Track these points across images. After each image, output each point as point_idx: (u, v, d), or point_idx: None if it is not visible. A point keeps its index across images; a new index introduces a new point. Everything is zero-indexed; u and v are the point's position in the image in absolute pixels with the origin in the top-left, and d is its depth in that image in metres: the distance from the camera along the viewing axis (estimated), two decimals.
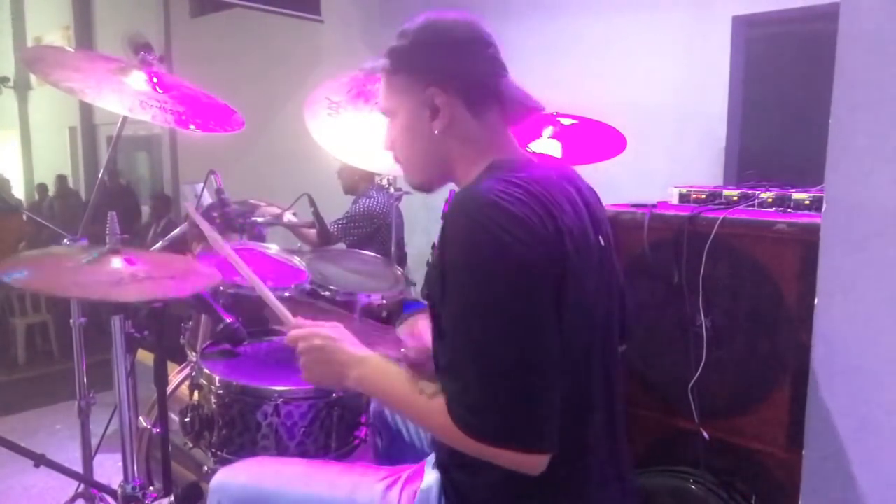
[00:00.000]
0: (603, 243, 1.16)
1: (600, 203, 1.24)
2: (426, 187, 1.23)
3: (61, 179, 9.46)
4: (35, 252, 1.85)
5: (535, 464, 0.99)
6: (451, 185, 1.20)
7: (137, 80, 1.70)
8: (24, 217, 6.56)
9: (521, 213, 0.98)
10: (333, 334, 1.19)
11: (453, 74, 1.12)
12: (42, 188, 9.70)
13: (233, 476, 1.27)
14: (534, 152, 1.31)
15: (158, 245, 1.81)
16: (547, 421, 0.97)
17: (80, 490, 1.88)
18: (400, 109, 1.18)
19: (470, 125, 1.13)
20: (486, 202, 0.99)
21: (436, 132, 1.13)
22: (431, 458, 1.22)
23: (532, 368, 0.96)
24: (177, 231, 1.85)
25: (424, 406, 1.05)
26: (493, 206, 0.98)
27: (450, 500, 1.12)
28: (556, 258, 1.00)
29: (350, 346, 1.18)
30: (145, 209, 7.92)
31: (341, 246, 3.24)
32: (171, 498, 1.60)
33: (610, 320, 1.15)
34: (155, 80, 1.73)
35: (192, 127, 1.71)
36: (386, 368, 1.14)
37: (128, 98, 1.63)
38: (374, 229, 3.36)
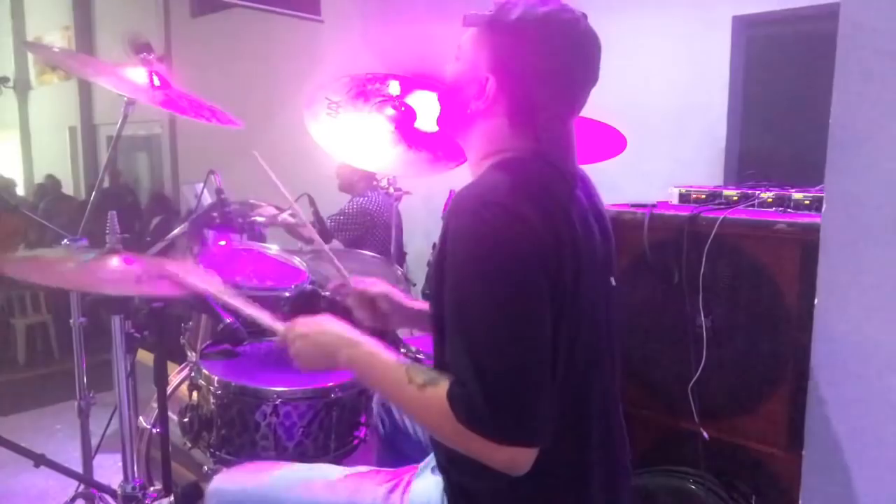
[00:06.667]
0: (609, 258, 1.16)
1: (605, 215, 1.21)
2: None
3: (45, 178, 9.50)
4: (28, 253, 1.85)
5: (523, 460, 0.97)
6: (452, 185, 1.20)
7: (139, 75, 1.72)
8: (19, 216, 6.51)
9: (524, 214, 0.97)
10: (318, 320, 1.19)
11: (522, 86, 1.07)
12: (40, 188, 9.67)
13: (230, 480, 1.27)
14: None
15: (157, 247, 1.80)
16: (540, 415, 0.97)
17: (80, 490, 1.89)
18: (460, 59, 1.14)
19: (501, 125, 1.10)
20: (489, 201, 0.99)
21: (467, 110, 1.11)
22: (431, 459, 1.21)
23: (529, 365, 0.96)
24: (176, 231, 1.84)
25: (414, 396, 1.03)
26: (495, 206, 0.98)
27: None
28: (554, 261, 0.99)
29: (339, 329, 1.17)
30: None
31: (339, 246, 3.24)
32: (171, 498, 1.60)
33: (611, 330, 1.15)
34: (156, 81, 1.74)
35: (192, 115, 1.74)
36: (377, 353, 1.11)
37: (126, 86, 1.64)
38: (368, 228, 3.36)
